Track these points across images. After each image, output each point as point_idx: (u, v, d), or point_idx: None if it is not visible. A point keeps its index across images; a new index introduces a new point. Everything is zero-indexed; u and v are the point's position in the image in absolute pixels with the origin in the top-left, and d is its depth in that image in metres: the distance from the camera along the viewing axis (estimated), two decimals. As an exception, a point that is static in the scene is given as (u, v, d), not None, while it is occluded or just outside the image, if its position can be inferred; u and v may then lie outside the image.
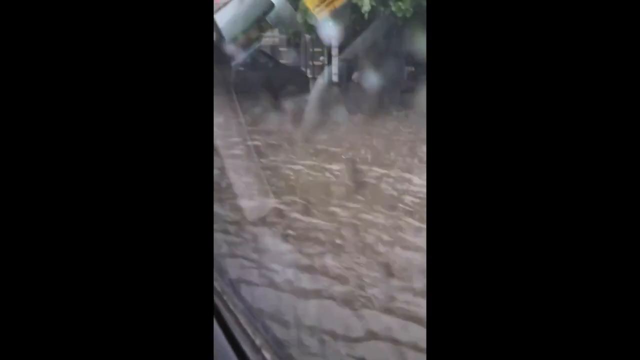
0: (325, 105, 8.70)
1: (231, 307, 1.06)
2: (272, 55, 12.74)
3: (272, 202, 4.12)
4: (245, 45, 10.40)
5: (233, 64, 9.59)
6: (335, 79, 11.80)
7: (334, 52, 11.39)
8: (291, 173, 5.17)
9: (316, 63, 13.25)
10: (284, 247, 3.47)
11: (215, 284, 1.05)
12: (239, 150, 5.55)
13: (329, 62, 11.52)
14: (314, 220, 3.86)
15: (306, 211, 4.04)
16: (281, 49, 13.71)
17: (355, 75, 10.79)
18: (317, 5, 6.89)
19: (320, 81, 10.61)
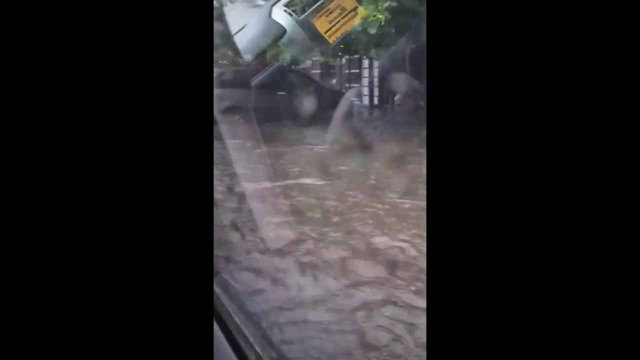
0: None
1: None
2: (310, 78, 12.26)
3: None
4: (260, 69, 10.45)
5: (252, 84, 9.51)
6: (376, 101, 11.47)
7: (375, 73, 11.10)
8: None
9: (353, 85, 13.05)
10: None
11: None
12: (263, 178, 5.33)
13: (371, 84, 11.24)
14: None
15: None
16: (313, 71, 13.60)
17: (398, 97, 10.53)
18: (328, 29, 6.86)
19: (349, 96, 10.12)
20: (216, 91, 9.60)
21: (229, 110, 9.12)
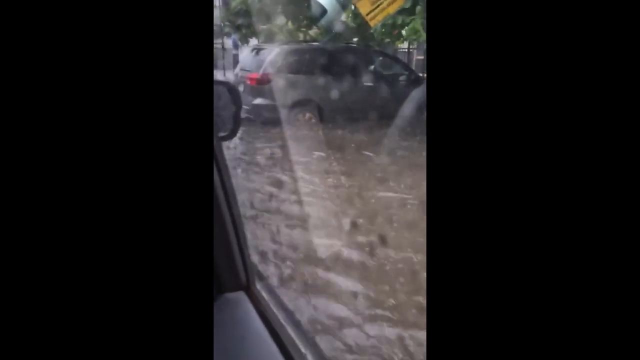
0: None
1: None
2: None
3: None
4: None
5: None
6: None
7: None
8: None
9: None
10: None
11: None
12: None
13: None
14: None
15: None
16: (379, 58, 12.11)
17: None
18: (370, 12, 6.69)
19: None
20: (287, 77, 7.78)
21: (298, 105, 7.66)
